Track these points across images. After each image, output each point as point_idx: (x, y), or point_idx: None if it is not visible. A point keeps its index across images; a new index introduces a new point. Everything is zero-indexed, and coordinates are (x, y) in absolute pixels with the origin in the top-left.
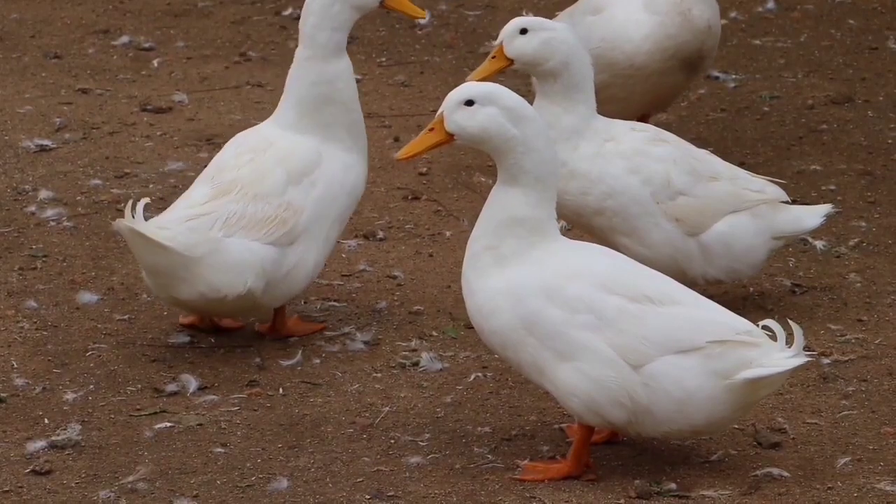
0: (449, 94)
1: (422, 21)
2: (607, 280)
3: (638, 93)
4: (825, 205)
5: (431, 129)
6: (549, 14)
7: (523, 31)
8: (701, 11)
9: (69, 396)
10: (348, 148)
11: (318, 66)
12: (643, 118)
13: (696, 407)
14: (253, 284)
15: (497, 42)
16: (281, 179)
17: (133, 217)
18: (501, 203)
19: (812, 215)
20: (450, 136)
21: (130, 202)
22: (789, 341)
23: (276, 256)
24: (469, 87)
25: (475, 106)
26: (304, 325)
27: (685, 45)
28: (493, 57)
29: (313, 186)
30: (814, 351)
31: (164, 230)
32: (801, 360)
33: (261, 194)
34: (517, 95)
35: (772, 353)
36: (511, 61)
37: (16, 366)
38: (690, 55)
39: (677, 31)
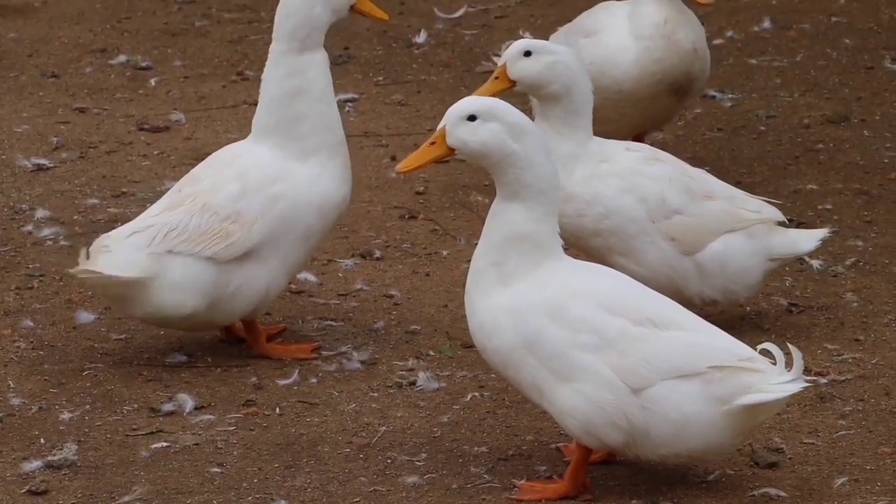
0: (451, 109)
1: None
2: (610, 301)
3: (630, 115)
4: (822, 229)
5: (433, 143)
6: (547, 34)
7: (527, 54)
8: (685, 34)
9: (65, 416)
10: (315, 147)
11: (292, 58)
12: (638, 137)
13: (694, 431)
14: (196, 305)
15: (500, 63)
16: (234, 192)
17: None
18: (504, 219)
19: (808, 239)
20: (451, 151)
21: (84, 250)
22: (788, 363)
23: (218, 276)
24: (471, 102)
25: (478, 121)
26: (282, 349)
27: (672, 69)
28: (496, 78)
29: (272, 203)
30: (813, 376)
31: (106, 254)
32: (800, 385)
33: (209, 205)
34: (518, 111)
35: (770, 379)
36: (513, 83)
37: (12, 385)
38: (678, 79)
39: (662, 55)
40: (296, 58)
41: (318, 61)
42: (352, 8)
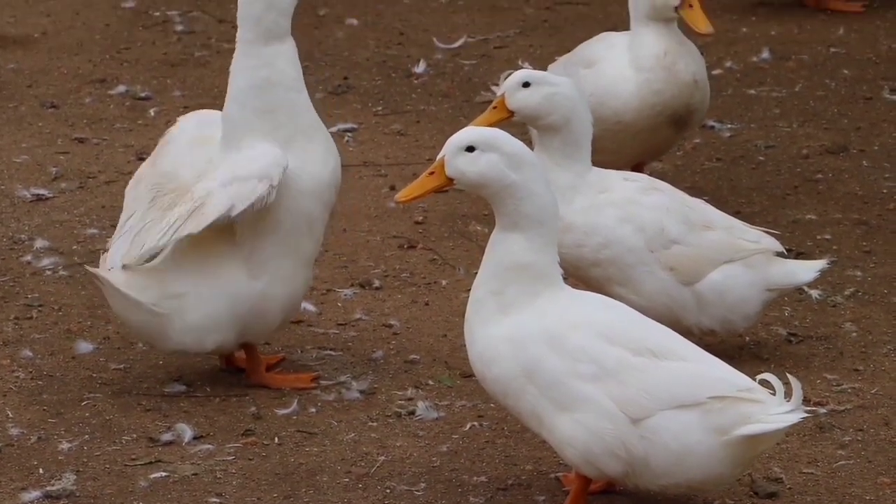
0: (450, 139)
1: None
2: (610, 331)
3: (629, 145)
4: (820, 260)
5: (432, 173)
6: (546, 64)
7: (526, 85)
8: (686, 65)
9: (64, 446)
10: (292, 135)
11: (259, 49)
12: (637, 167)
13: (694, 462)
14: (217, 340)
15: (499, 93)
16: (209, 176)
17: (109, 267)
18: (504, 249)
19: (806, 270)
20: (450, 181)
21: (105, 254)
22: (787, 393)
23: (234, 305)
24: (470, 133)
25: (476, 152)
26: (281, 378)
27: (672, 101)
28: (495, 108)
29: (246, 180)
30: (812, 406)
31: (125, 275)
32: (799, 416)
33: (185, 195)
34: (517, 140)
35: (770, 409)
36: (512, 113)
37: (11, 415)
38: (678, 110)
39: (663, 87)
40: (263, 48)
41: (286, 51)
42: None
